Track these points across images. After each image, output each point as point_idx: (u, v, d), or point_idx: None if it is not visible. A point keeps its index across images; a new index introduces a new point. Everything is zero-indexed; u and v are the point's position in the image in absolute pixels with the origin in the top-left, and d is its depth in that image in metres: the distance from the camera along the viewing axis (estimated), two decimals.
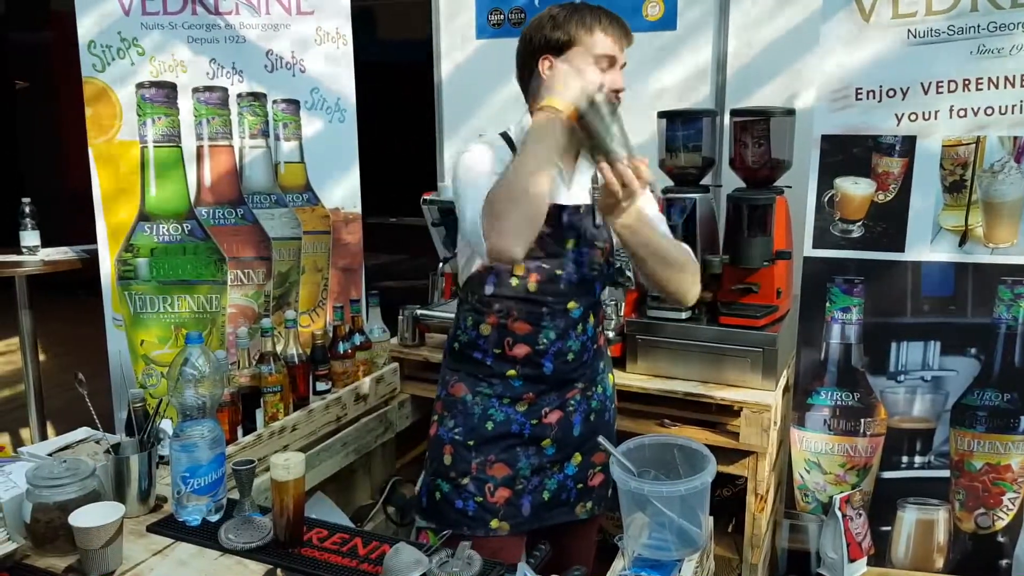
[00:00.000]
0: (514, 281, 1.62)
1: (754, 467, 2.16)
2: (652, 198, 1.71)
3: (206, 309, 2.87)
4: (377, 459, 2.60)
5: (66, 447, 1.71)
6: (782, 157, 2.35)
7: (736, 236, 2.29)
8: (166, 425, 1.67)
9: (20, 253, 3.22)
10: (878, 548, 2.24)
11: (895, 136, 2.11)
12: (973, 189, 2.06)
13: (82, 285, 3.49)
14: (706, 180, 2.49)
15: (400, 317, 2.65)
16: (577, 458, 1.74)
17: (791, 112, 2.39)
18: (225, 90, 2.84)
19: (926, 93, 2.06)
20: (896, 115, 2.10)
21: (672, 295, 1.64)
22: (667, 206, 2.29)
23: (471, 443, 1.68)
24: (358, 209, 2.99)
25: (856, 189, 2.15)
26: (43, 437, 3.33)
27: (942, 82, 2.05)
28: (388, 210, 4.06)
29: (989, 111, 2.02)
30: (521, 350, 1.66)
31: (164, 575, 1.35)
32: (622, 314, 2.39)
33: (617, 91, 1.57)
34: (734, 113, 2.41)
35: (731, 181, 2.45)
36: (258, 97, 2.86)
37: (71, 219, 3.79)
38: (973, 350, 2.12)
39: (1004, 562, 2.16)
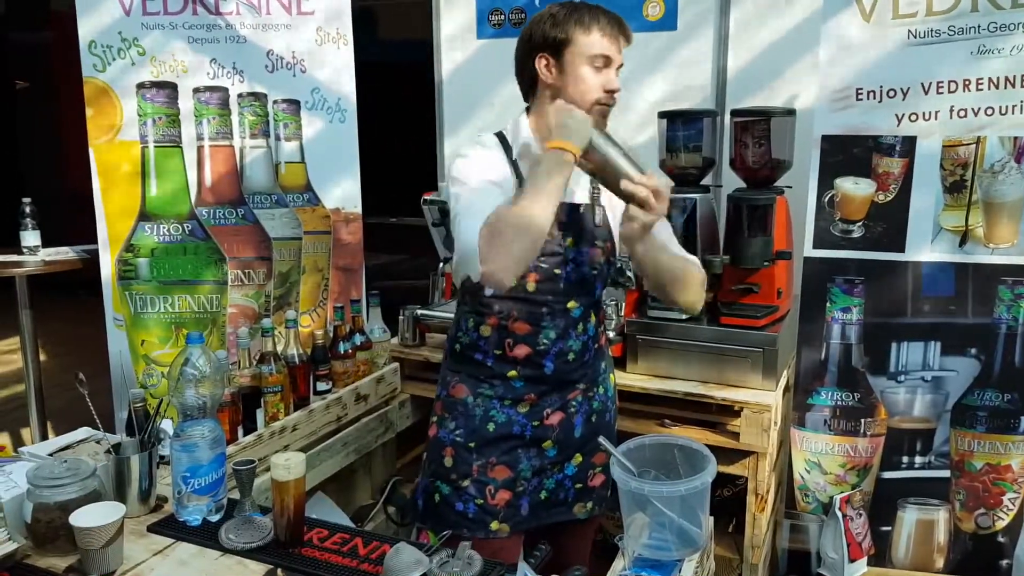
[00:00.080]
0: None
1: (754, 467, 2.16)
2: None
3: (207, 309, 2.87)
4: (377, 459, 2.60)
5: (67, 447, 1.71)
6: (782, 157, 2.35)
7: (736, 236, 2.29)
8: (167, 425, 1.67)
9: (21, 253, 3.22)
10: (878, 548, 2.24)
11: (895, 136, 2.11)
12: (973, 189, 2.07)
13: (82, 285, 3.49)
14: (706, 180, 2.49)
15: (400, 317, 2.65)
16: (578, 459, 1.74)
17: (791, 112, 2.39)
18: (226, 90, 2.84)
19: (926, 93, 2.06)
20: (896, 115, 2.10)
21: (680, 307, 1.69)
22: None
23: (472, 445, 1.68)
24: (358, 209, 2.99)
25: (856, 189, 2.15)
26: (44, 437, 3.33)
27: (942, 82, 2.05)
28: (388, 210, 4.06)
29: (989, 111, 2.02)
30: (522, 351, 1.65)
31: (165, 575, 1.35)
32: (622, 314, 2.39)
33: (612, 91, 1.57)
34: (734, 113, 2.41)
35: (731, 181, 2.45)
36: (259, 97, 2.86)
37: (71, 219, 3.79)
38: (973, 350, 2.12)
39: (1004, 562, 2.16)
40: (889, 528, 2.24)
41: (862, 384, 2.20)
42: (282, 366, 2.08)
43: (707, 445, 1.45)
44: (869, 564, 2.24)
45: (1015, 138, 2.02)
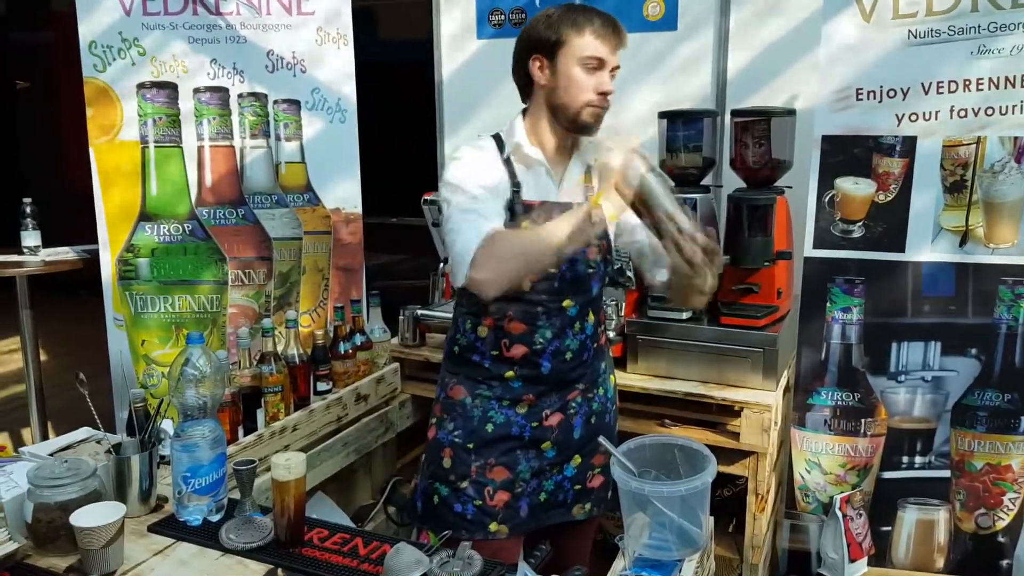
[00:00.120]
0: None
1: (754, 467, 2.16)
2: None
3: (207, 309, 2.87)
4: (378, 459, 2.60)
5: (67, 447, 1.71)
6: (783, 157, 2.35)
7: (737, 236, 2.29)
8: (167, 425, 1.67)
9: (21, 253, 3.22)
10: (878, 548, 2.24)
11: (895, 136, 2.11)
12: (973, 189, 2.07)
13: (83, 285, 3.50)
14: (707, 180, 2.49)
15: (401, 317, 2.65)
16: (577, 460, 1.74)
17: (792, 112, 2.39)
18: (226, 90, 2.84)
19: (927, 93, 2.06)
20: (897, 115, 2.10)
21: (693, 305, 1.75)
22: None
23: (471, 446, 1.68)
24: (359, 209, 2.99)
25: (857, 189, 2.15)
26: (44, 437, 3.33)
27: (942, 82, 2.05)
28: (389, 210, 4.07)
29: (989, 111, 2.02)
30: (519, 350, 1.65)
31: (165, 575, 1.35)
32: (623, 314, 2.39)
33: (605, 93, 1.57)
34: (735, 113, 2.42)
35: (732, 181, 2.45)
36: (259, 97, 2.86)
37: (72, 219, 3.79)
38: (973, 350, 2.12)
39: (1005, 562, 2.16)
40: (889, 528, 2.24)
41: (862, 384, 2.20)
42: (282, 366, 2.08)
43: (707, 445, 1.45)
44: (869, 564, 2.24)
45: (1015, 138, 2.02)
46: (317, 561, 1.37)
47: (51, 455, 1.63)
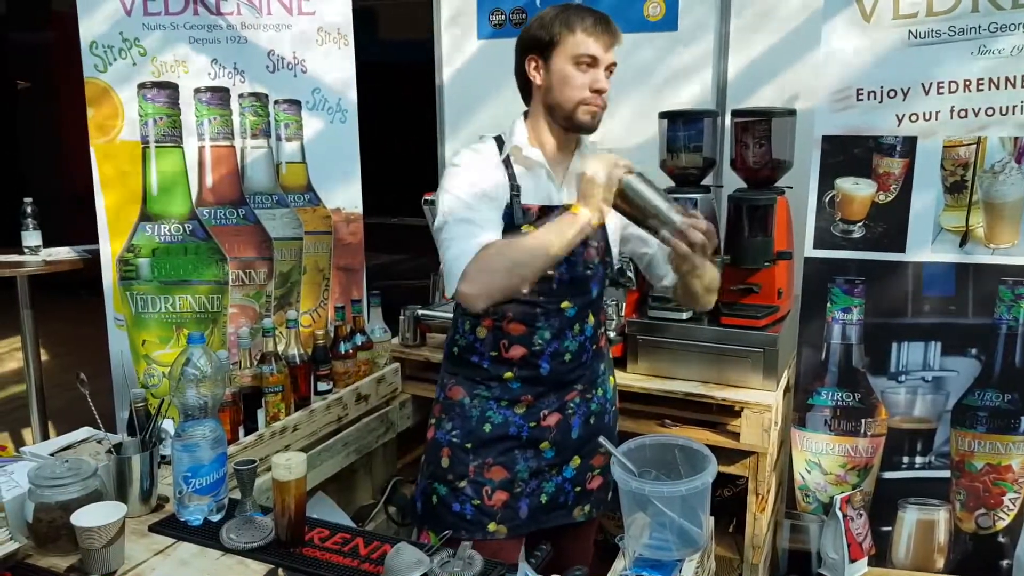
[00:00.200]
0: None
1: (755, 467, 2.16)
2: None
3: (207, 309, 2.87)
4: (378, 459, 2.60)
5: (68, 447, 1.71)
6: (783, 158, 2.35)
7: (737, 236, 2.29)
8: (168, 425, 1.67)
9: (22, 253, 3.22)
10: (879, 548, 2.24)
11: (896, 137, 2.11)
12: (974, 190, 2.07)
13: (84, 285, 3.50)
14: (707, 180, 2.49)
15: (401, 317, 2.65)
16: (576, 461, 1.74)
17: (792, 112, 2.39)
18: (227, 90, 2.84)
19: (927, 94, 2.06)
20: (897, 116, 2.10)
21: (701, 307, 1.77)
22: None
23: (469, 445, 1.68)
24: (359, 209, 2.99)
25: (857, 190, 2.15)
26: (45, 437, 3.33)
27: (943, 83, 2.05)
28: (389, 210, 4.06)
29: (990, 112, 2.02)
30: (517, 351, 1.66)
31: (166, 575, 1.35)
32: (623, 314, 2.39)
33: (599, 91, 1.57)
34: (735, 114, 2.42)
35: (732, 181, 2.45)
36: (260, 97, 2.86)
37: (72, 219, 3.80)
38: (974, 350, 2.12)
39: (1005, 563, 2.16)
40: (889, 528, 2.24)
41: (862, 384, 2.20)
42: (283, 366, 2.08)
43: (707, 445, 1.45)
44: (869, 564, 2.24)
45: (1015, 138, 2.02)
46: (318, 561, 1.37)
47: (52, 455, 1.63)
